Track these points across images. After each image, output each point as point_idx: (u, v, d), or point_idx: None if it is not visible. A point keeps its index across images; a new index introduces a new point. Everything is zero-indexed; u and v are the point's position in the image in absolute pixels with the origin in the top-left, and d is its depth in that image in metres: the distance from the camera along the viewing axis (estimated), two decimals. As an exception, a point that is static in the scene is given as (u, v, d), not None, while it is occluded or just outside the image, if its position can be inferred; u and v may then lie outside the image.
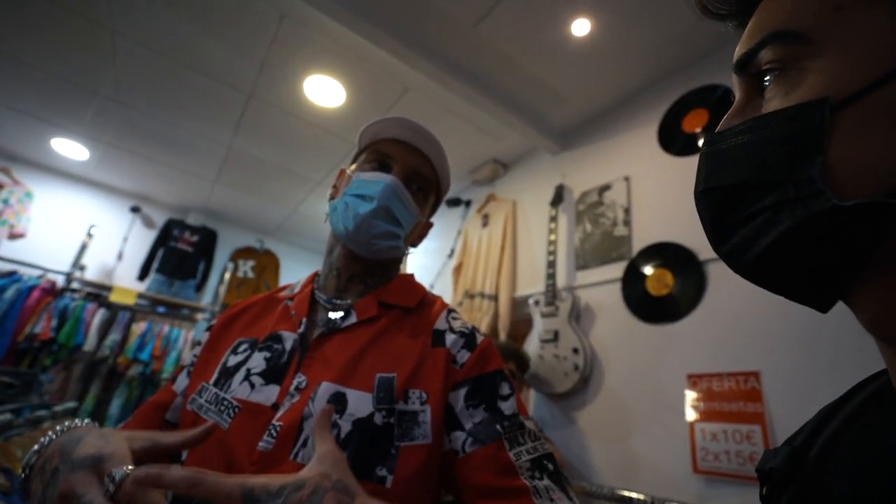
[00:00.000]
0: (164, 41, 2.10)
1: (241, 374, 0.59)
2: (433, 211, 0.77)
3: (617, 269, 1.89)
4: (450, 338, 0.62)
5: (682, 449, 1.46)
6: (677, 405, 1.53)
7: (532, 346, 2.04)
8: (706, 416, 1.43)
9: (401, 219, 0.67)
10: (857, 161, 0.25)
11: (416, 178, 0.69)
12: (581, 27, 1.81)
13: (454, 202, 3.01)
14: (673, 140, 1.89)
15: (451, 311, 0.69)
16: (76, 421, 0.47)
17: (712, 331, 1.53)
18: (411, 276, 0.75)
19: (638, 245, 1.86)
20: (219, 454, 0.53)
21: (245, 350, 0.63)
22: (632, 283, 1.83)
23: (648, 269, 1.78)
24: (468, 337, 0.63)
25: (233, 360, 0.62)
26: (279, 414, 0.54)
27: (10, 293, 2.69)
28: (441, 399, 0.56)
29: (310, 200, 3.55)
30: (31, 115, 2.85)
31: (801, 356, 1.29)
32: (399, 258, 0.73)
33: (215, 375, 0.62)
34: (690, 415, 1.48)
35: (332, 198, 0.71)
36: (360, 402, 0.54)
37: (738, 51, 0.33)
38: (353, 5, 1.76)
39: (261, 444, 0.52)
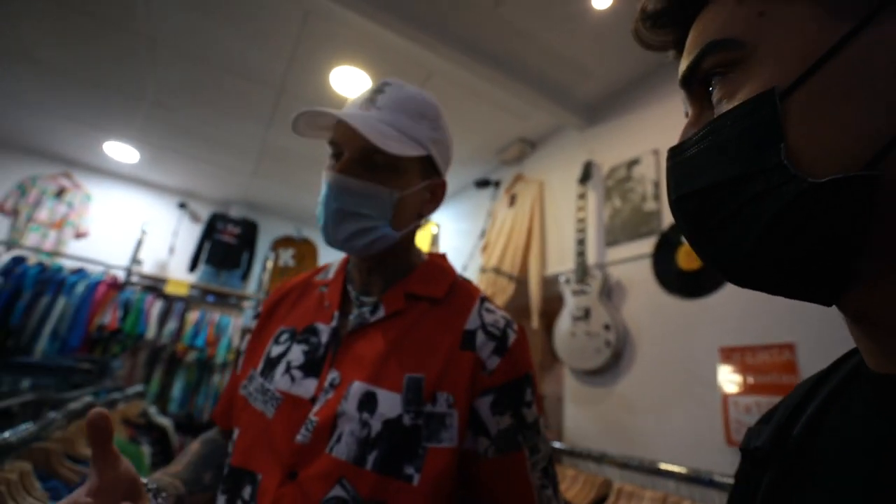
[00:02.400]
0: (199, 47, 2.21)
1: (283, 366, 0.62)
2: (433, 165, 0.67)
3: (647, 245, 1.88)
4: (479, 339, 0.61)
5: (716, 422, 1.47)
6: (710, 378, 1.53)
7: (564, 323, 2.07)
8: (739, 388, 1.43)
9: (361, 210, 0.60)
10: (818, 141, 0.26)
11: (370, 155, 0.60)
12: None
13: (483, 183, 3.03)
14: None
15: (484, 300, 0.66)
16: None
17: (744, 304, 1.51)
18: (442, 257, 0.73)
19: (668, 219, 1.83)
20: (265, 442, 0.58)
21: (286, 340, 0.65)
22: (662, 257, 1.81)
23: (679, 244, 1.76)
24: (499, 340, 0.61)
25: (275, 351, 0.65)
26: (315, 409, 0.57)
27: (80, 288, 2.95)
28: (466, 404, 0.57)
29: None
30: (85, 122, 3.06)
31: (836, 327, 1.26)
32: (404, 241, 0.67)
33: (261, 365, 0.65)
34: (723, 388, 1.48)
35: None
36: (389, 403, 0.56)
37: (681, 67, 0.34)
38: (372, -4, 1.79)
39: (298, 437, 0.56)
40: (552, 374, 3.24)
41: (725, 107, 0.30)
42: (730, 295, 1.56)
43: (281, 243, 4.36)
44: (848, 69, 0.25)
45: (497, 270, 2.56)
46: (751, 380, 1.41)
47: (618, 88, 2.25)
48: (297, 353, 0.63)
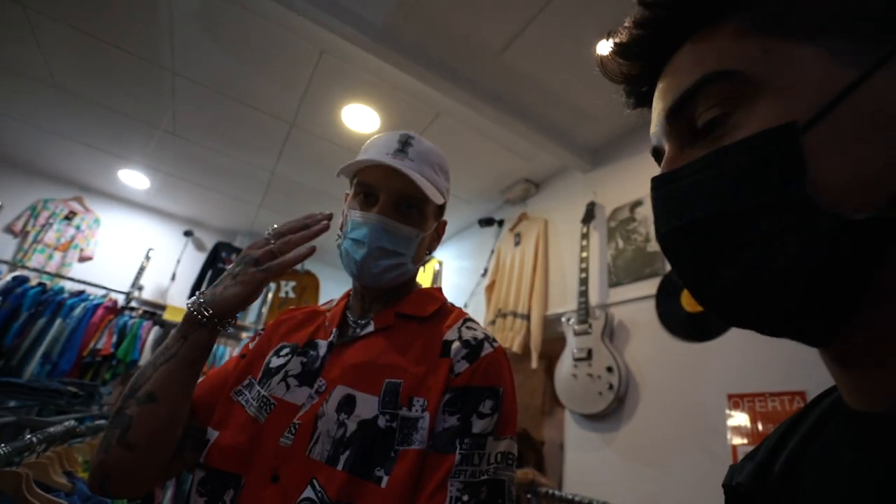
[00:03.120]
0: (217, 78, 2.30)
1: (281, 374, 0.66)
2: (442, 210, 0.76)
3: (650, 286, 1.85)
4: (454, 347, 0.63)
5: (723, 472, 1.38)
6: (718, 427, 1.46)
7: (565, 364, 2.01)
8: (751, 438, 1.36)
9: (398, 249, 0.68)
10: (839, 176, 0.25)
11: (405, 200, 0.68)
12: (607, 46, 1.84)
13: (487, 222, 3.05)
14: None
15: (467, 320, 0.69)
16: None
17: (753, 349, 1.46)
18: (436, 289, 0.77)
19: (672, 261, 1.82)
20: (252, 444, 0.60)
21: (287, 354, 0.69)
22: (666, 299, 1.78)
23: (683, 286, 1.73)
24: (472, 348, 0.63)
25: (275, 362, 0.68)
26: (300, 413, 0.60)
27: (77, 311, 2.93)
28: (437, 406, 0.58)
29: (348, 215, 3.69)
30: (100, 149, 3.15)
31: (849, 375, 1.21)
32: (413, 275, 0.75)
33: (260, 375, 0.68)
34: (733, 437, 1.41)
35: (339, 236, 0.73)
36: (367, 405, 0.58)
37: (668, 98, 0.33)
38: (386, 39, 1.87)
39: (282, 439, 0.58)
40: (553, 419, 3.13)
41: (728, 141, 0.29)
42: (737, 339, 1.52)
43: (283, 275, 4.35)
44: (867, 105, 0.25)
45: (505, 314, 2.53)
46: (761, 429, 1.34)
47: (621, 132, 2.30)
48: (295, 364, 0.67)
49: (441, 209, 0.75)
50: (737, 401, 1.44)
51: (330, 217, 0.69)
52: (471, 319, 0.70)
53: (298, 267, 4.40)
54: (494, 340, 0.66)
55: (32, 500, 1.16)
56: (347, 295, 0.78)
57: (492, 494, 0.54)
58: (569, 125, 2.30)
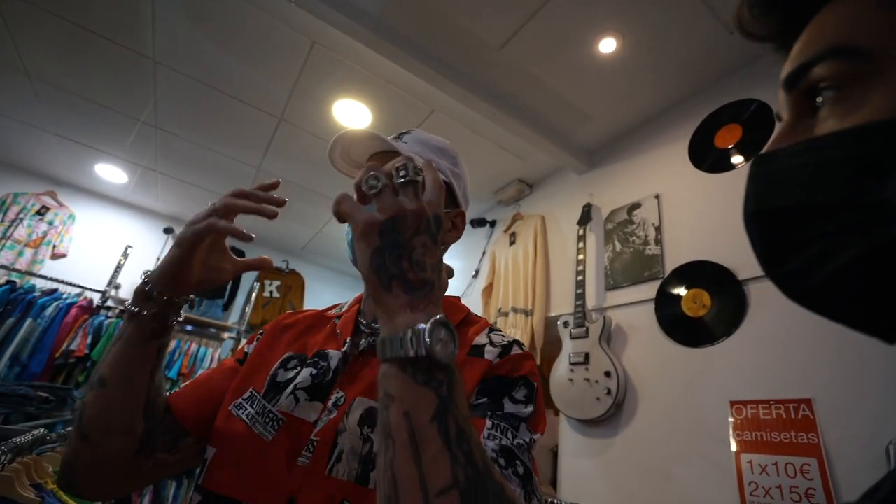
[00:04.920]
0: (202, 69, 2.20)
1: (289, 389, 0.60)
2: (454, 198, 0.70)
3: (649, 290, 1.83)
4: (489, 351, 0.60)
5: (728, 482, 1.36)
6: (720, 434, 1.43)
7: (561, 368, 1.97)
8: (754, 446, 1.34)
9: None
10: None
11: None
12: (608, 45, 1.80)
13: (479, 222, 3.00)
14: (705, 156, 1.84)
15: (493, 329, 0.66)
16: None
17: (756, 354, 1.44)
18: (455, 298, 0.73)
19: (671, 264, 1.79)
20: (259, 468, 0.54)
21: (295, 366, 0.64)
22: (666, 303, 1.76)
23: (683, 289, 1.71)
24: (504, 347, 0.61)
25: (283, 376, 0.63)
26: (317, 429, 0.55)
27: (50, 310, 2.78)
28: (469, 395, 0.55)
29: (335, 221, 3.60)
30: (76, 141, 3.00)
31: (858, 382, 1.20)
32: None
33: (265, 387, 0.62)
34: (735, 445, 1.38)
35: (349, 232, 0.70)
36: None
37: (789, 66, 0.31)
38: (381, 31, 1.80)
39: (300, 459, 0.53)
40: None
41: (831, 125, 0.27)
42: (740, 344, 1.50)
43: (267, 274, 4.24)
44: None
45: (506, 312, 2.48)
46: (766, 437, 1.31)
47: (619, 133, 2.27)
48: (304, 376, 0.61)
49: (452, 196, 0.69)
50: (740, 408, 1.41)
51: (282, 203, 0.61)
52: (497, 329, 0.67)
53: (282, 266, 4.29)
54: (523, 345, 0.63)
55: (-5, 519, 1.07)
56: (359, 301, 0.72)
57: (527, 465, 0.47)
58: (566, 125, 2.27)
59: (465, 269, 3.05)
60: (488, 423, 0.50)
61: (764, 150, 0.32)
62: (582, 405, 1.84)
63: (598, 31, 1.76)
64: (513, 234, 2.68)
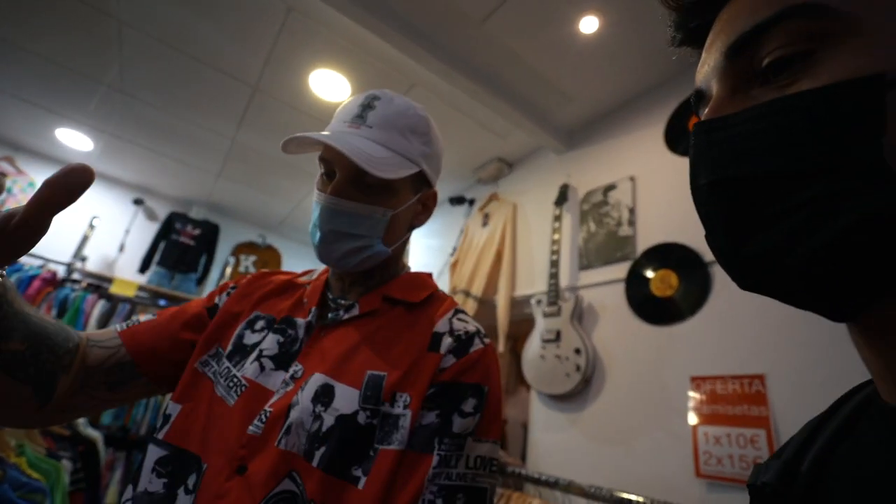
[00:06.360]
0: (171, 32, 2.09)
1: (255, 354, 0.60)
2: (424, 179, 0.67)
3: (621, 270, 1.87)
4: (445, 342, 0.59)
5: (685, 452, 1.44)
6: (680, 408, 1.51)
7: (533, 345, 2.02)
8: (709, 419, 1.41)
9: (356, 231, 0.60)
10: None
11: (362, 176, 0.60)
12: (589, 24, 1.80)
13: (458, 200, 3.00)
14: (679, 140, 1.87)
15: (458, 311, 0.65)
16: None
17: (716, 333, 1.51)
18: (426, 274, 0.72)
19: (642, 245, 1.84)
20: (218, 429, 0.55)
21: (262, 328, 0.63)
22: (635, 283, 1.81)
23: (652, 271, 1.76)
24: (462, 343, 0.59)
25: (249, 338, 0.62)
26: (272, 400, 0.55)
27: (10, 282, 2.68)
28: (420, 404, 0.55)
29: (313, 196, 3.54)
30: (35, 104, 2.84)
31: (806, 359, 1.27)
32: (395, 256, 0.68)
33: (230, 347, 0.62)
34: (693, 418, 1.46)
35: None
36: (346, 398, 0.54)
37: (734, 30, 0.29)
38: (360, -2, 1.74)
39: (251, 427, 0.53)
40: (517, 398, 3.18)
41: (795, 88, 0.25)
42: (702, 323, 1.56)
43: (243, 249, 4.17)
44: None
45: (466, 293, 2.52)
46: (721, 410, 1.39)
47: (598, 114, 2.28)
48: (271, 343, 0.61)
49: (422, 178, 0.67)
50: (699, 383, 1.48)
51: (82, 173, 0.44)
52: (462, 311, 0.66)
53: (259, 240, 4.22)
54: (486, 336, 0.62)
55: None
56: (327, 272, 0.71)
57: (472, 500, 0.51)
58: (546, 104, 2.26)
59: (441, 247, 3.06)
60: (435, 460, 0.51)
61: (706, 117, 0.30)
62: (552, 381, 1.90)
63: (581, 9, 1.74)
64: (486, 216, 2.70)
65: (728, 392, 1.40)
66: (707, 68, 0.31)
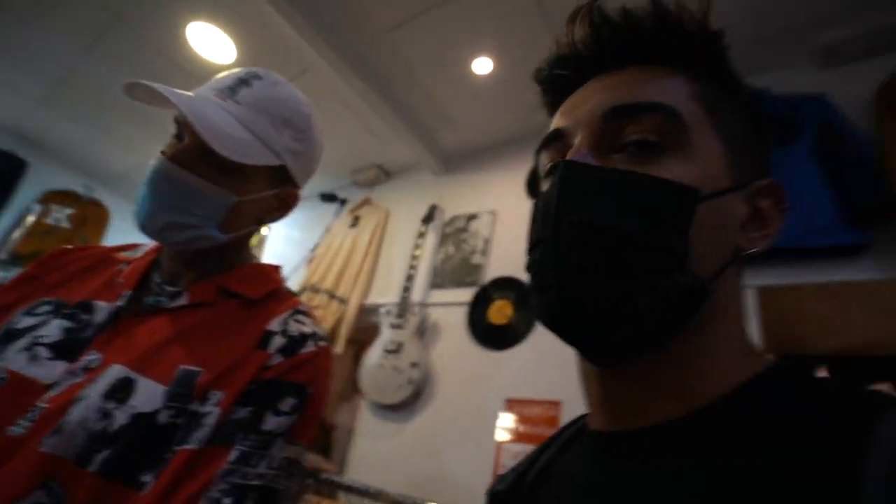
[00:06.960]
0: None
1: (25, 340, 0.51)
2: (286, 175, 0.63)
3: (467, 294, 2.02)
4: (275, 341, 0.55)
5: (488, 465, 1.58)
6: (492, 425, 1.66)
7: (374, 355, 2.04)
8: (515, 437, 1.58)
9: (187, 205, 0.54)
10: (701, 248, 0.30)
11: (213, 150, 0.53)
12: (483, 65, 1.95)
13: (330, 197, 2.92)
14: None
15: (299, 312, 0.60)
16: None
17: (532, 361, 1.71)
18: (273, 267, 0.67)
19: (490, 275, 2.01)
20: None
21: (45, 312, 0.54)
22: (478, 309, 1.96)
23: (494, 300, 1.93)
24: (294, 343, 0.56)
25: (23, 322, 0.53)
26: (51, 394, 0.47)
27: None
28: (232, 401, 0.50)
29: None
30: None
31: (594, 392, 1.51)
32: (236, 244, 0.62)
33: None
34: (501, 435, 1.61)
35: None
36: (149, 394, 0.48)
37: (613, 96, 0.34)
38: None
39: (13, 427, 0.45)
40: (350, 405, 3.14)
41: (646, 168, 0.31)
42: (524, 351, 1.76)
43: (57, 197, 3.44)
44: (724, 207, 0.32)
45: (319, 290, 2.45)
46: (525, 430, 1.57)
47: (478, 146, 2.45)
48: (52, 329, 0.52)
49: (285, 174, 0.62)
50: (512, 404, 1.66)
51: None
52: (304, 312, 0.61)
53: (82, 191, 3.54)
54: (322, 339, 0.59)
55: None
56: (158, 250, 0.63)
57: (254, 492, 0.47)
58: (431, 125, 2.36)
59: (302, 241, 2.94)
60: (233, 454, 0.47)
61: (570, 157, 0.33)
62: (385, 390, 1.93)
63: (478, 49, 1.89)
64: (356, 218, 2.69)
65: (533, 414, 1.59)
66: (576, 115, 0.35)
